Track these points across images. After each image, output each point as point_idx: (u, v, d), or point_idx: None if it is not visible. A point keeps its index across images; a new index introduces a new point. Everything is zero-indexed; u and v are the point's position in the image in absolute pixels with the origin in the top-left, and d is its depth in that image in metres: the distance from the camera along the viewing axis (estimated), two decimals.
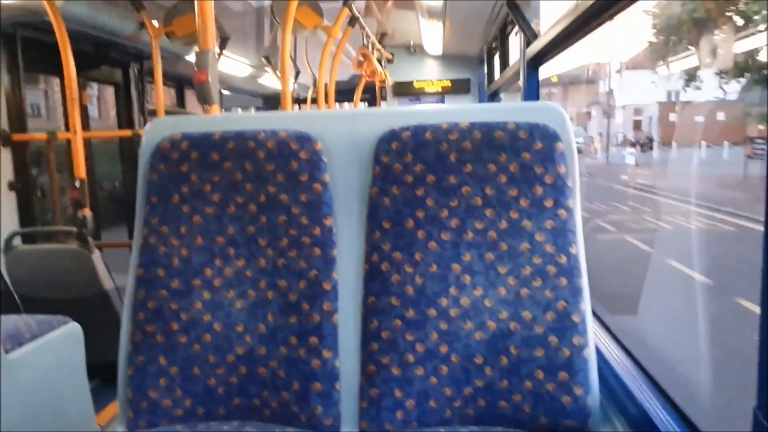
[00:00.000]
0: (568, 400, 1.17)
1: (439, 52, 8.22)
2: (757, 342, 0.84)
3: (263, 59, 6.18)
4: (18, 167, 3.41)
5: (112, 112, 4.81)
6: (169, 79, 5.43)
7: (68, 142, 3.32)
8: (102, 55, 3.99)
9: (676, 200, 11.95)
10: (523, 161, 1.23)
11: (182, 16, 3.74)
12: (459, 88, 8.91)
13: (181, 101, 6.07)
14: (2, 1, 2.94)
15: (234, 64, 5.66)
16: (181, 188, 1.33)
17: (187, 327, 1.31)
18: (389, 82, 8.15)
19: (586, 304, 1.21)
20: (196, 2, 2.15)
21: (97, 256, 2.97)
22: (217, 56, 2.23)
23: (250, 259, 1.32)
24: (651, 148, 23.17)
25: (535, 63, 3.27)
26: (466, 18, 5.71)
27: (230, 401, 1.31)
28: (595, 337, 1.26)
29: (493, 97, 6.20)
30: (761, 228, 0.87)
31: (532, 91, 3.32)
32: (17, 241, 3.06)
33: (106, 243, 3.87)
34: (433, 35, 6.93)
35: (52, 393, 2.05)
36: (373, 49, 6.27)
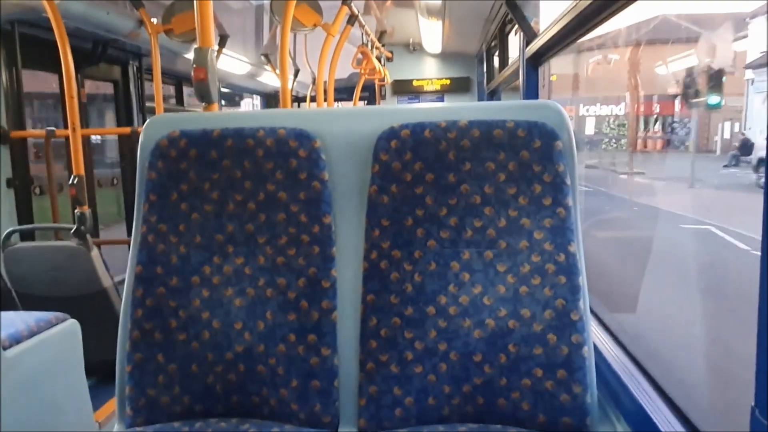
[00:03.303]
0: (566, 397, 1.18)
1: (439, 50, 8.23)
2: None
3: (262, 57, 6.18)
4: (16, 164, 3.41)
5: None
6: (168, 76, 5.42)
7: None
8: (101, 53, 3.99)
9: None
10: (522, 159, 1.23)
11: (181, 14, 3.74)
12: (458, 86, 8.93)
13: (180, 98, 6.07)
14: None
15: (233, 62, 5.66)
16: (180, 186, 1.33)
17: (186, 325, 1.31)
18: (388, 80, 8.15)
19: (585, 302, 1.21)
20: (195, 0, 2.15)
21: (95, 254, 2.97)
22: (215, 54, 2.23)
23: (249, 257, 1.32)
24: None
25: (534, 61, 3.27)
26: (466, 16, 5.72)
27: (229, 399, 1.31)
28: (593, 335, 1.26)
29: (493, 95, 6.20)
30: None
31: (531, 90, 3.32)
32: (15, 238, 3.06)
33: (104, 240, 3.86)
34: (432, 33, 6.94)
35: (51, 390, 2.05)
36: (372, 47, 6.27)
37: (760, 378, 0.83)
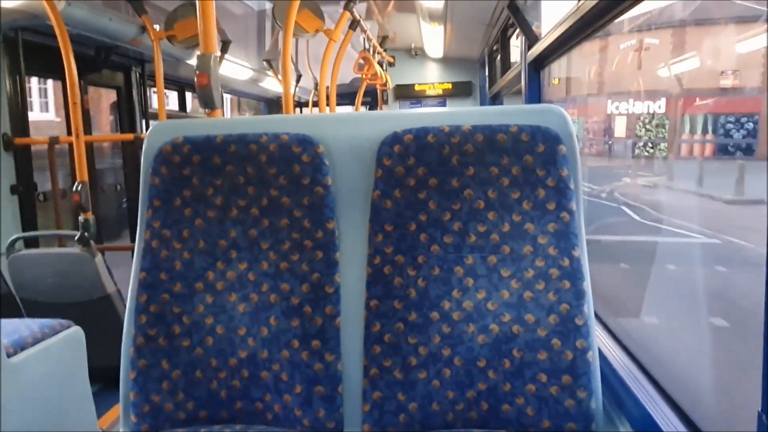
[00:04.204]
0: (571, 403, 1.17)
1: (441, 54, 8.23)
2: None
3: (265, 63, 6.19)
4: (20, 171, 3.42)
5: None
6: (171, 82, 5.44)
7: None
8: (103, 59, 4.00)
9: None
10: (525, 164, 1.23)
11: (183, 20, 3.75)
12: (460, 90, 8.93)
13: (182, 104, 6.09)
14: (4, 5, 2.95)
15: (235, 68, 5.67)
16: (183, 192, 1.33)
17: (190, 330, 1.31)
18: (390, 85, 8.16)
19: (589, 307, 1.21)
20: (197, 6, 2.15)
21: (99, 260, 2.98)
22: (218, 60, 2.23)
23: (253, 263, 1.32)
24: None
25: (536, 66, 3.27)
26: (467, 21, 5.72)
27: (233, 405, 1.31)
28: (597, 339, 1.25)
29: (495, 99, 6.20)
30: None
31: (534, 95, 3.32)
32: (19, 245, 3.07)
33: (107, 246, 3.87)
34: (434, 38, 6.94)
35: (55, 397, 2.05)
36: (374, 52, 6.28)
37: (767, 383, 0.82)
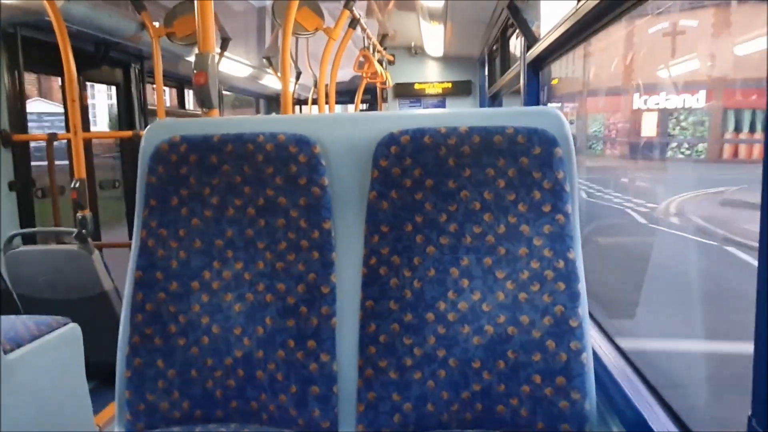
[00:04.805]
0: (565, 404, 1.18)
1: (440, 53, 8.22)
2: None
3: (264, 60, 6.19)
4: (18, 167, 3.42)
5: None
6: (170, 79, 5.43)
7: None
8: (102, 56, 4.00)
9: None
10: (522, 166, 1.23)
11: (183, 17, 3.75)
12: (460, 90, 8.92)
13: (181, 101, 6.08)
14: (3, 1, 2.94)
15: (235, 65, 5.67)
16: (180, 191, 1.33)
17: (185, 329, 1.31)
18: (390, 83, 8.16)
19: (584, 309, 1.21)
20: (196, 3, 2.15)
21: (96, 257, 2.98)
22: (217, 57, 2.23)
23: (249, 262, 1.32)
24: None
25: (535, 66, 3.27)
26: (467, 20, 5.72)
27: (228, 404, 1.31)
28: (592, 341, 1.26)
29: (495, 99, 6.20)
30: None
31: (532, 95, 3.32)
32: (17, 242, 3.07)
33: (105, 243, 3.87)
34: (434, 37, 6.94)
35: (51, 394, 2.05)
36: (374, 50, 6.27)
37: (757, 387, 0.83)
